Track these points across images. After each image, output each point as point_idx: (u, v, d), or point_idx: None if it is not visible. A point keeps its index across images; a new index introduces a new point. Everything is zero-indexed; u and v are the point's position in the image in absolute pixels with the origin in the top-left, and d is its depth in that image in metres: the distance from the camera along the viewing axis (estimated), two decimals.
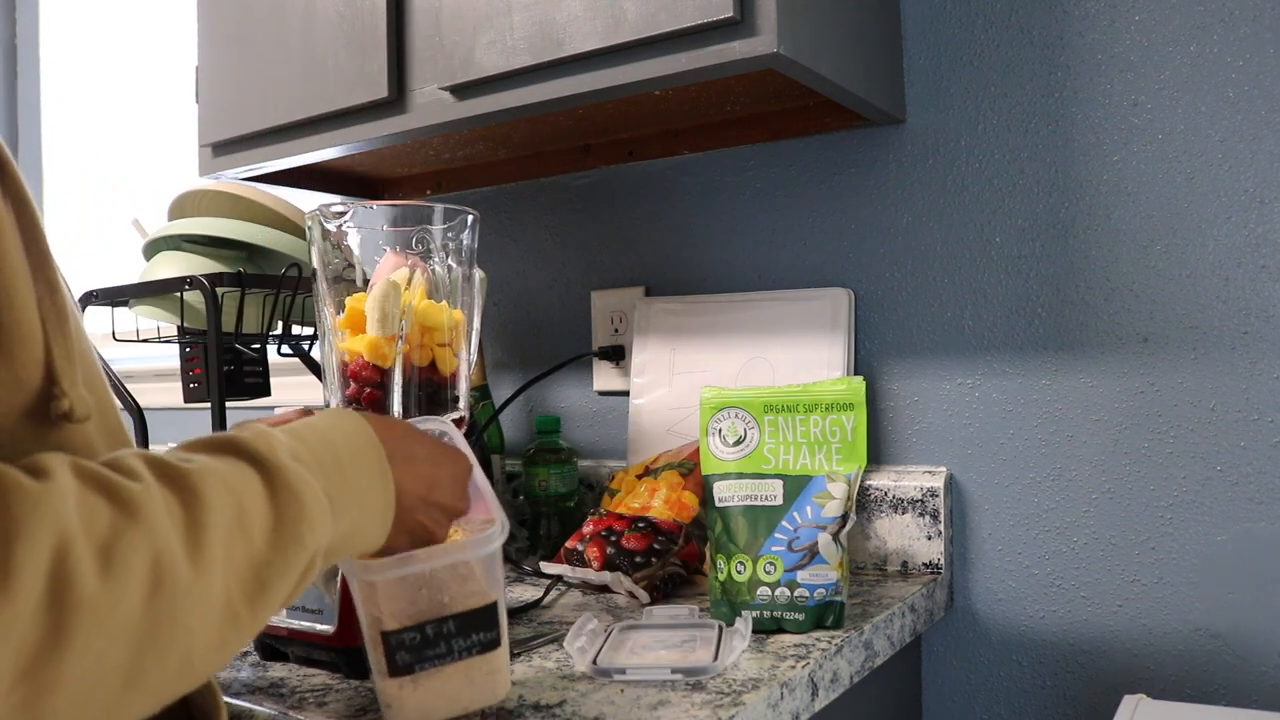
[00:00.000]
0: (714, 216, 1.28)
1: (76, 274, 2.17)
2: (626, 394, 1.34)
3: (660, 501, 1.09)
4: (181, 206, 1.37)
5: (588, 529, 1.11)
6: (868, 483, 1.13)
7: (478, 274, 0.94)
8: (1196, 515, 0.99)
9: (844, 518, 0.91)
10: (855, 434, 0.94)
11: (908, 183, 1.14)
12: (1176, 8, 0.99)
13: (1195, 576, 0.99)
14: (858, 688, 0.92)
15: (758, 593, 0.89)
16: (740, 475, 0.94)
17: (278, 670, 0.83)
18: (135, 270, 1.41)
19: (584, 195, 1.40)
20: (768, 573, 0.89)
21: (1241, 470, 0.96)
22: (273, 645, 0.86)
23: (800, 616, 0.88)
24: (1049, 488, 1.06)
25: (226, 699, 0.76)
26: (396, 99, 1.09)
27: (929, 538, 1.10)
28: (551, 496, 1.27)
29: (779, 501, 0.92)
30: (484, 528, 0.68)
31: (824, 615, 0.89)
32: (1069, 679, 1.05)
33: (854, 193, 1.18)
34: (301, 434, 0.53)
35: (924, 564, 1.10)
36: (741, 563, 0.90)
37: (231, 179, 1.32)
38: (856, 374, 1.17)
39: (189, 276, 1.14)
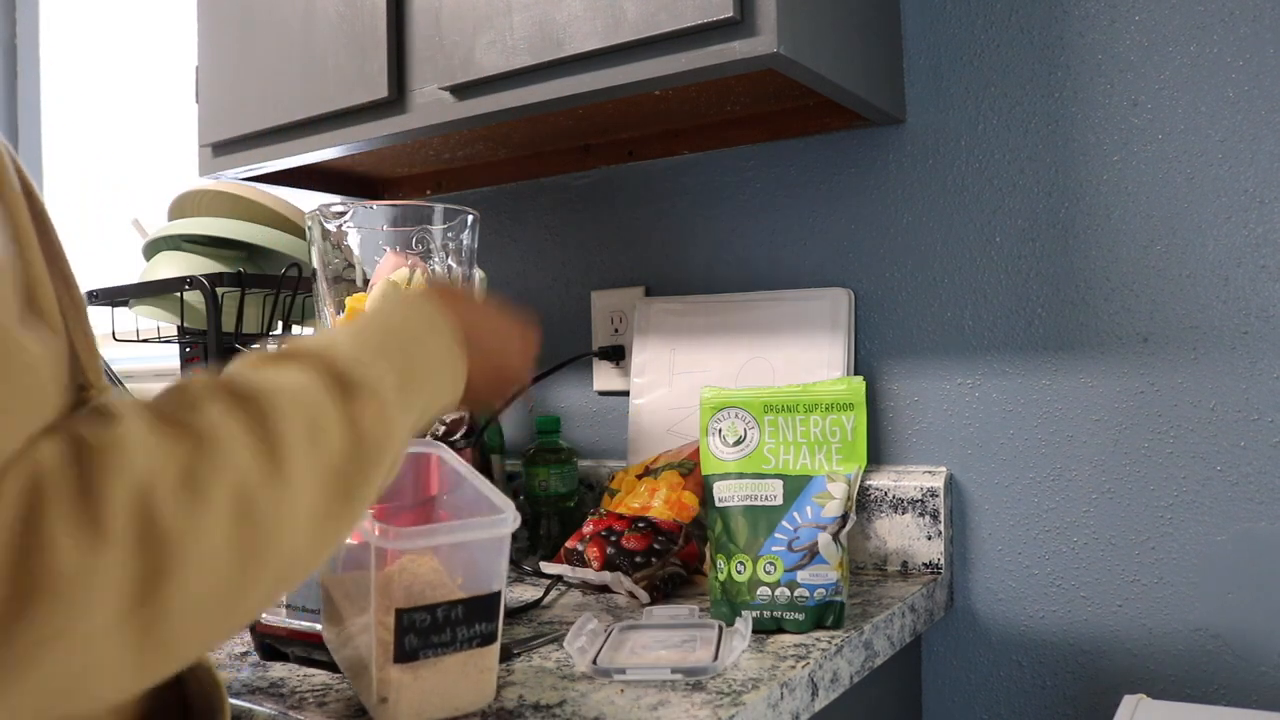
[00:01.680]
0: (714, 216, 1.28)
1: (77, 274, 2.17)
2: (626, 394, 1.34)
3: (660, 501, 1.09)
4: (181, 206, 1.38)
5: (588, 529, 1.11)
6: (868, 483, 1.13)
7: (478, 274, 0.94)
8: (1196, 515, 0.99)
9: (844, 518, 0.91)
10: (855, 434, 0.94)
11: (908, 183, 1.14)
12: (1176, 8, 0.99)
13: (1195, 576, 0.99)
14: (858, 688, 0.92)
15: (758, 593, 0.89)
16: (740, 475, 0.94)
17: (278, 670, 0.83)
18: (135, 270, 1.41)
19: (584, 195, 1.40)
20: (768, 573, 0.89)
21: (1241, 470, 0.96)
22: (273, 645, 0.86)
23: (800, 616, 0.88)
24: (1049, 488, 1.06)
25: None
26: (396, 99, 1.09)
27: (929, 538, 1.10)
28: (551, 496, 1.27)
29: (779, 501, 0.92)
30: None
31: (824, 615, 0.89)
32: (1069, 679, 1.05)
33: (854, 193, 1.18)
34: (365, 329, 0.53)
35: (924, 564, 1.10)
36: (741, 563, 0.90)
37: (231, 179, 1.32)
38: (856, 374, 1.17)
39: (189, 276, 1.14)
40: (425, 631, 0.67)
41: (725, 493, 0.93)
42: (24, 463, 0.37)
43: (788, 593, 0.88)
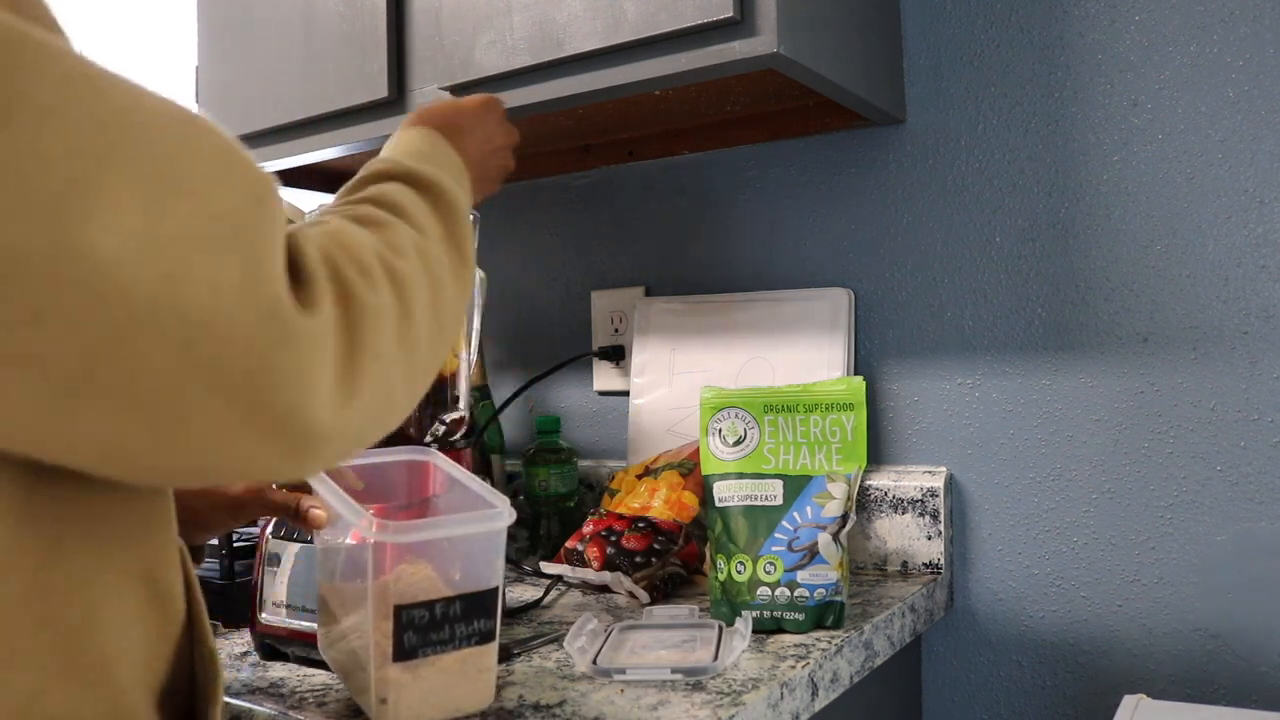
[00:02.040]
0: (714, 216, 1.28)
1: None
2: (626, 394, 1.34)
3: (660, 501, 1.09)
4: None
5: (588, 529, 1.11)
6: (868, 483, 1.13)
7: (478, 274, 0.94)
8: (1196, 515, 0.99)
9: (844, 518, 0.91)
10: (855, 434, 0.94)
11: (908, 183, 1.14)
12: (1176, 8, 0.99)
13: (1195, 576, 0.99)
14: (858, 688, 0.92)
15: (758, 593, 0.89)
16: (740, 475, 0.94)
17: (278, 670, 0.83)
18: None
19: (584, 195, 1.40)
20: (768, 573, 0.89)
21: (1241, 470, 0.96)
22: (273, 645, 0.86)
23: (800, 616, 0.88)
24: (1049, 488, 1.06)
25: (226, 699, 0.76)
26: (396, 99, 1.09)
27: (929, 538, 1.10)
28: (551, 496, 1.27)
29: (779, 501, 0.92)
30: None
31: (824, 615, 0.89)
32: (1069, 679, 1.05)
33: (854, 193, 1.18)
34: (404, 150, 0.67)
35: (924, 564, 1.10)
36: (741, 563, 0.90)
37: None
38: (856, 374, 1.17)
39: None
40: (424, 629, 0.67)
41: (725, 493, 0.93)
42: (308, 239, 0.47)
43: (788, 593, 0.88)
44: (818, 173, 1.20)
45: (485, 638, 0.70)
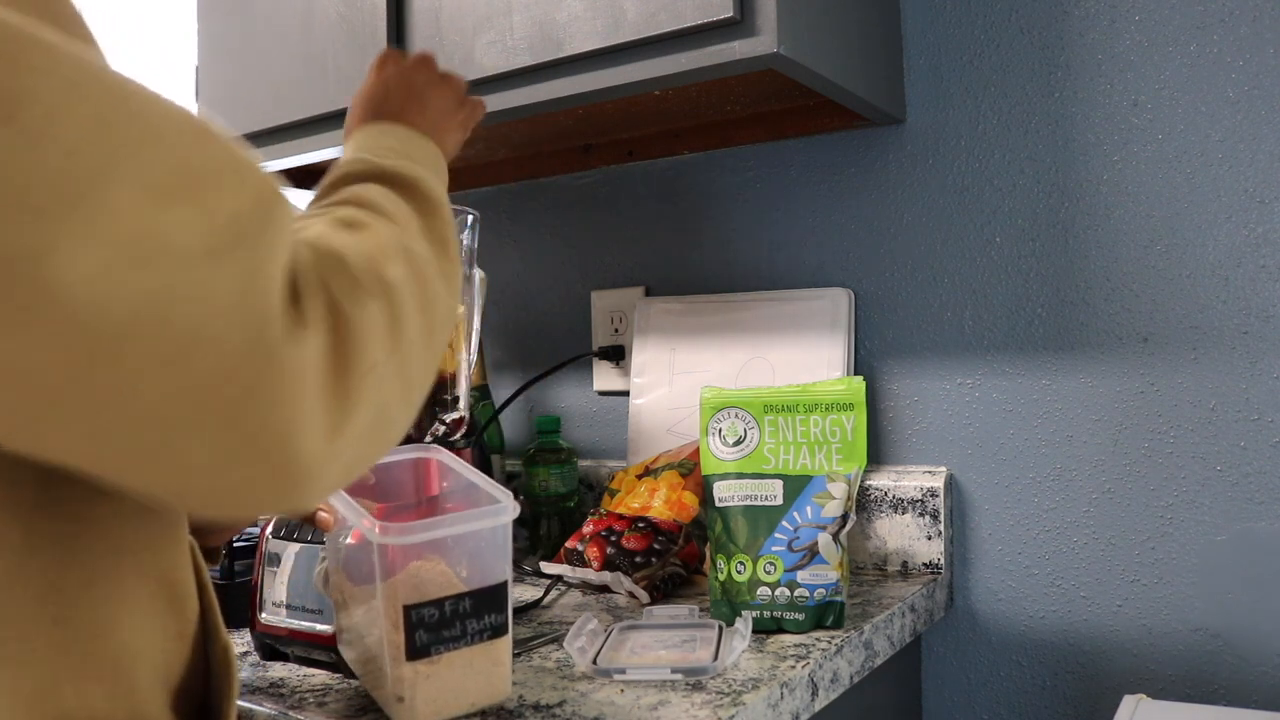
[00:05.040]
0: (714, 216, 1.28)
1: None
2: (626, 394, 1.34)
3: (660, 501, 1.09)
4: None
5: (588, 529, 1.11)
6: (868, 483, 1.13)
7: (478, 274, 0.94)
8: (1196, 515, 0.99)
9: (844, 518, 0.91)
10: (855, 434, 0.94)
11: (908, 183, 1.14)
12: (1176, 8, 0.99)
13: (1195, 576, 0.99)
14: (858, 688, 0.92)
15: (758, 592, 0.89)
16: (740, 475, 0.94)
17: (278, 670, 0.83)
18: None
19: (584, 195, 1.40)
20: (768, 573, 0.89)
21: (1241, 470, 0.96)
22: (273, 645, 0.86)
23: (800, 616, 0.88)
24: (1049, 488, 1.06)
25: None
26: None
27: (929, 538, 1.10)
28: (551, 496, 1.27)
29: (779, 501, 0.92)
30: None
31: (824, 615, 0.89)
32: (1069, 679, 1.05)
33: (854, 193, 1.18)
34: (370, 148, 0.64)
35: (924, 564, 1.10)
36: (741, 562, 0.90)
37: None
38: (856, 374, 1.17)
39: None
40: (435, 627, 0.68)
41: (725, 492, 0.93)
42: (307, 263, 0.45)
43: (788, 592, 0.88)
44: (818, 173, 1.20)
45: (498, 631, 0.71)
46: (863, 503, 1.13)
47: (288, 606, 0.83)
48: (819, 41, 0.93)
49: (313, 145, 1.18)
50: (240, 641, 0.92)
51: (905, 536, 1.11)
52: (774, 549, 0.90)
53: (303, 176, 1.39)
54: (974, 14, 1.10)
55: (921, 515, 1.10)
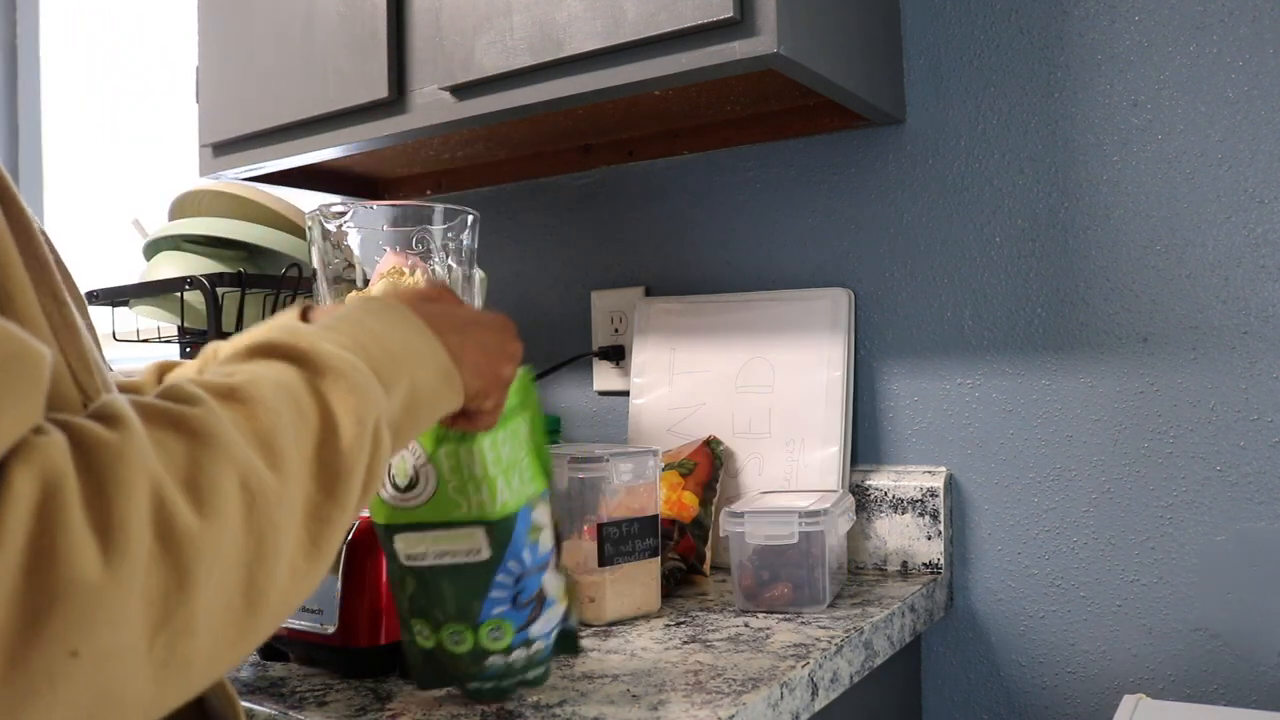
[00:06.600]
0: (714, 216, 1.28)
1: (77, 274, 2.17)
2: (626, 394, 1.34)
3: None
4: (181, 206, 1.38)
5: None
6: (868, 483, 1.13)
7: (478, 274, 0.94)
8: (1196, 515, 0.99)
9: (558, 540, 0.75)
10: (535, 435, 0.73)
11: (908, 183, 1.14)
12: (1176, 8, 0.99)
13: (1195, 576, 0.99)
14: (858, 688, 0.92)
15: (487, 664, 0.70)
16: (424, 526, 0.69)
17: (278, 670, 0.83)
18: (135, 270, 1.41)
19: (584, 195, 1.40)
20: (495, 639, 0.70)
21: (1241, 470, 0.97)
22: (273, 645, 0.86)
23: (541, 670, 0.73)
24: (1049, 488, 1.06)
25: None
26: (396, 99, 1.09)
27: (929, 538, 1.10)
28: None
29: (486, 555, 0.68)
30: None
31: (560, 649, 0.76)
32: (1069, 679, 1.05)
33: (854, 193, 1.18)
34: (331, 322, 0.52)
35: (924, 564, 1.10)
36: (457, 633, 0.70)
37: (232, 179, 1.33)
38: (857, 374, 1.17)
39: (189, 276, 1.14)
40: (617, 541, 0.93)
41: (415, 549, 0.69)
42: (33, 459, 0.34)
43: (524, 653, 0.71)
44: (818, 173, 1.20)
45: (653, 553, 0.96)
46: (863, 503, 1.13)
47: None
48: (819, 41, 0.93)
49: (313, 145, 1.18)
50: None
51: (905, 536, 1.11)
52: (496, 612, 0.69)
53: (303, 177, 1.39)
54: (974, 14, 1.10)
55: (921, 515, 1.10)
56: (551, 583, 0.73)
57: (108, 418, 0.38)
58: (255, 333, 0.49)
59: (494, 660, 0.70)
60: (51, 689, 0.32)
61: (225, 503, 0.38)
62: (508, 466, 0.69)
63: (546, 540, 0.72)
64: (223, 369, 0.46)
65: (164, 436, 0.39)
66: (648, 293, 1.34)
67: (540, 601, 0.71)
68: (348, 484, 0.45)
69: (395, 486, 0.69)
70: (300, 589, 0.43)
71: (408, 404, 0.52)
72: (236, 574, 0.38)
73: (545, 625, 0.72)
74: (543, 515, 0.72)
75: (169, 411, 0.40)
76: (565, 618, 0.75)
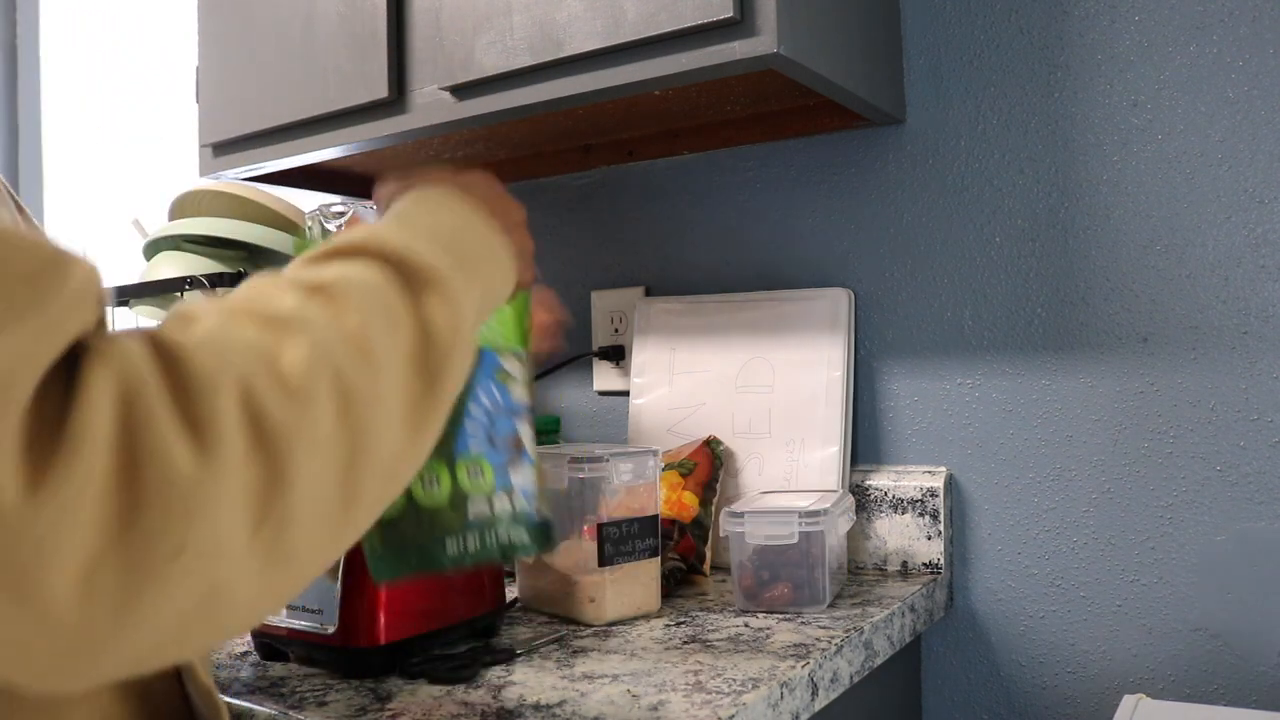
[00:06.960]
0: (714, 216, 1.28)
1: None
2: (626, 394, 1.34)
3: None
4: (181, 206, 1.38)
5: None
6: (867, 483, 1.13)
7: None
8: (1196, 515, 0.99)
9: (530, 409, 0.70)
10: (516, 306, 0.70)
11: (908, 183, 1.14)
12: (1176, 8, 0.99)
13: (1195, 576, 0.99)
14: (858, 688, 0.92)
15: (470, 512, 0.62)
16: None
17: (278, 670, 0.83)
18: (135, 270, 1.41)
19: (584, 195, 1.40)
20: (475, 479, 0.63)
21: (1241, 470, 0.97)
22: (273, 645, 0.86)
23: (527, 538, 0.65)
24: (1049, 488, 1.06)
25: (227, 699, 0.76)
26: (396, 99, 1.09)
27: (929, 538, 1.10)
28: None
29: None
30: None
31: (541, 538, 0.67)
32: (1069, 679, 1.05)
33: (854, 193, 1.18)
34: (409, 220, 0.51)
35: (924, 564, 1.10)
36: (433, 476, 0.62)
37: (231, 179, 1.33)
38: (857, 374, 1.17)
39: (189, 276, 1.14)
40: (616, 541, 0.93)
41: None
42: (110, 359, 0.33)
43: (508, 504, 0.65)
44: (818, 173, 1.20)
45: (653, 553, 0.96)
46: (862, 503, 1.13)
47: (288, 606, 0.83)
48: (819, 41, 0.93)
49: (313, 145, 1.18)
50: (240, 641, 0.92)
51: (905, 536, 1.11)
52: (473, 446, 0.63)
53: (303, 176, 1.39)
54: (974, 14, 1.10)
55: (921, 515, 1.10)
56: (528, 435, 0.68)
57: (183, 317, 0.38)
58: (341, 236, 0.49)
59: (478, 508, 0.63)
60: (160, 585, 0.32)
61: (317, 396, 0.37)
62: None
63: (519, 393, 0.68)
64: (313, 267, 0.45)
65: (253, 334, 0.38)
66: (648, 293, 1.34)
67: (519, 449, 0.66)
68: (444, 381, 0.45)
69: None
70: (396, 487, 0.43)
71: (482, 306, 0.53)
72: (334, 468, 0.38)
73: (525, 480, 0.66)
74: (513, 368, 0.68)
75: (251, 307, 0.39)
76: (539, 514, 0.68)
